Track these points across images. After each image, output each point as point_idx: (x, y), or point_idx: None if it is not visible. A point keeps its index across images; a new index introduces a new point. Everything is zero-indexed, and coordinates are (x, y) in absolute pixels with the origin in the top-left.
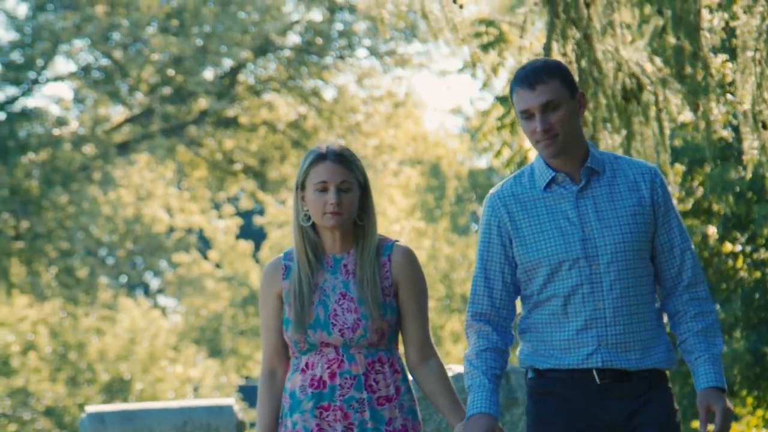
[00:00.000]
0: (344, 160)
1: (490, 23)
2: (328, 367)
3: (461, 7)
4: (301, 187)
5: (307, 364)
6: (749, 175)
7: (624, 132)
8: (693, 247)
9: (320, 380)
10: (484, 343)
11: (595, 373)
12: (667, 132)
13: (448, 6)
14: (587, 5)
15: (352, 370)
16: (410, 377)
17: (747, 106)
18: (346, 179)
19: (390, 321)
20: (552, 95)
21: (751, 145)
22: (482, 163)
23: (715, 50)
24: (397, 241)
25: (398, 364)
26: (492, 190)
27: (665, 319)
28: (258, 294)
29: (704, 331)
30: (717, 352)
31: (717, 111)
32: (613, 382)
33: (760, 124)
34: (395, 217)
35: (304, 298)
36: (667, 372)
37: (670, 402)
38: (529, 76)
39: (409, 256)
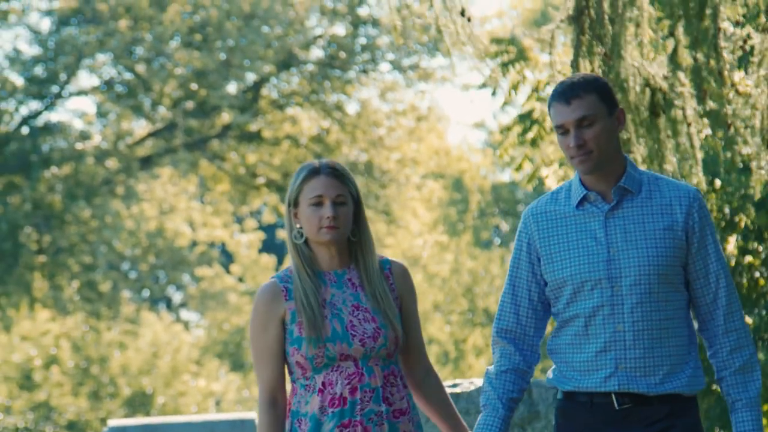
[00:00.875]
0: (338, 174)
1: (509, 42)
2: (348, 383)
3: (469, 20)
4: (294, 203)
5: (324, 384)
6: (758, 196)
7: (653, 146)
8: (730, 274)
9: (341, 398)
10: (506, 363)
11: (613, 397)
12: (697, 145)
13: (463, 20)
14: (612, 21)
15: (371, 383)
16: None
17: (757, 122)
18: (342, 193)
19: (401, 333)
20: (587, 111)
21: (759, 164)
22: (505, 177)
23: (733, 67)
24: (387, 257)
25: (404, 379)
26: (528, 206)
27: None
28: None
29: (742, 370)
30: (754, 395)
31: (739, 126)
32: (633, 406)
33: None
34: (418, 231)
35: (315, 311)
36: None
37: (694, 427)
38: (565, 91)
39: (407, 270)
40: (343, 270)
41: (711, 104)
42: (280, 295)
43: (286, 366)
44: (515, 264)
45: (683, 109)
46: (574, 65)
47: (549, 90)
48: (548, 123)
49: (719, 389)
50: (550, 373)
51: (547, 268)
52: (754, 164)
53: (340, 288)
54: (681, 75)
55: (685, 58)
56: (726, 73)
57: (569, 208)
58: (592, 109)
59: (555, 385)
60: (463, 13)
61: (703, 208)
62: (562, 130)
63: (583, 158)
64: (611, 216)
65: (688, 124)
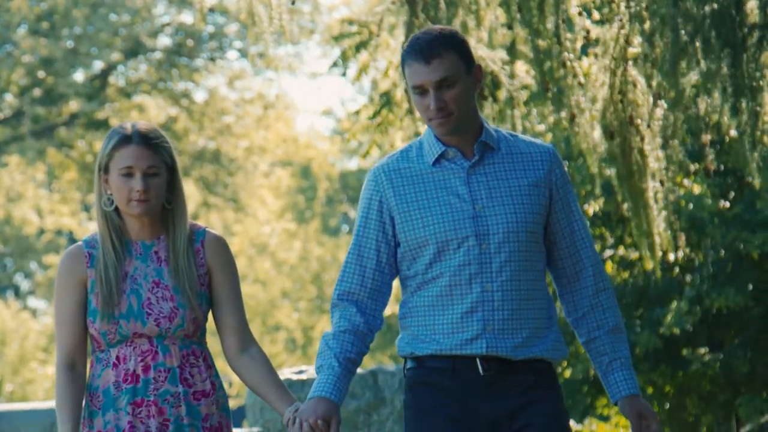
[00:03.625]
0: (151, 143)
1: (354, 23)
2: (142, 360)
3: (293, 3)
4: (105, 169)
5: (118, 358)
6: (598, 190)
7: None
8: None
9: (134, 374)
10: (345, 324)
11: (478, 362)
12: (519, 130)
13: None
14: (448, 5)
15: (166, 362)
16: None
17: (598, 114)
18: (153, 164)
19: (204, 312)
20: (448, 71)
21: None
22: (353, 164)
23: (576, 57)
24: (206, 228)
25: (210, 359)
26: (376, 164)
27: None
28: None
29: (616, 330)
30: (628, 354)
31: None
32: (497, 373)
33: (608, 134)
34: (266, 219)
35: (113, 286)
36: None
37: (557, 400)
38: (423, 49)
39: (222, 241)
40: (152, 241)
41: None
42: (82, 261)
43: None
44: (362, 224)
45: (511, 94)
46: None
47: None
48: (399, 104)
49: (587, 353)
50: (398, 342)
51: (405, 227)
52: (594, 156)
53: (144, 261)
54: (519, 63)
55: (524, 50)
56: (568, 63)
57: (425, 165)
58: (452, 69)
59: (409, 350)
60: (293, 3)
61: (562, 166)
62: (419, 90)
63: (442, 120)
64: (473, 172)
65: (513, 109)
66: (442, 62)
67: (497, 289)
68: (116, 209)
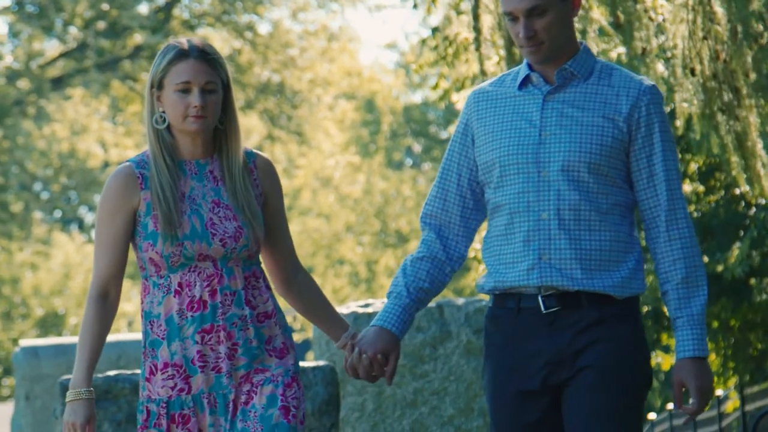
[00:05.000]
0: (209, 59)
1: None
2: (208, 285)
3: None
4: (158, 86)
5: (180, 285)
6: (681, 131)
7: None
8: (678, 179)
9: (200, 301)
10: (423, 250)
11: (540, 300)
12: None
13: None
14: None
15: (231, 285)
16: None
17: (678, 52)
18: (211, 80)
19: (262, 233)
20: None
21: (683, 96)
22: (417, 98)
23: None
24: (253, 149)
25: (267, 281)
26: (475, 87)
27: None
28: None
29: (685, 283)
30: (698, 311)
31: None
32: (560, 309)
33: (689, 71)
34: (330, 152)
35: (172, 206)
36: (636, 301)
37: (627, 339)
38: None
39: (271, 163)
40: (205, 160)
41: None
42: (135, 183)
43: (138, 262)
44: (450, 148)
45: (585, 29)
46: None
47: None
48: (463, 36)
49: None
50: (480, 279)
51: (479, 150)
52: (677, 96)
53: (200, 181)
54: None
55: None
56: None
57: (512, 89)
58: None
59: (481, 284)
60: None
61: (654, 104)
62: (511, 17)
63: (533, 49)
64: (550, 99)
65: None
66: None
67: (553, 218)
68: (167, 127)
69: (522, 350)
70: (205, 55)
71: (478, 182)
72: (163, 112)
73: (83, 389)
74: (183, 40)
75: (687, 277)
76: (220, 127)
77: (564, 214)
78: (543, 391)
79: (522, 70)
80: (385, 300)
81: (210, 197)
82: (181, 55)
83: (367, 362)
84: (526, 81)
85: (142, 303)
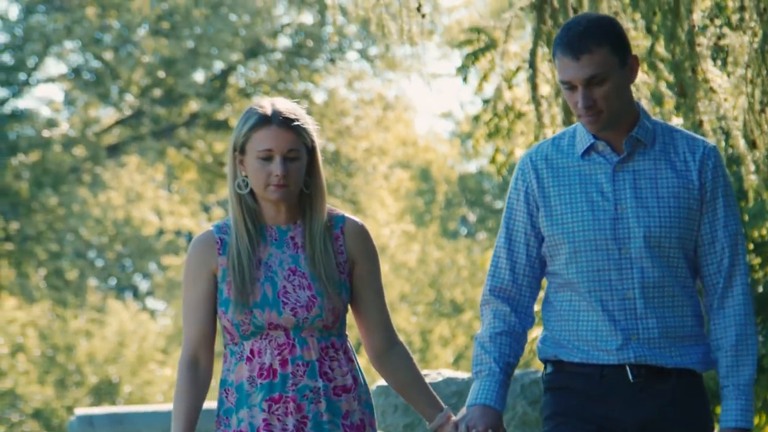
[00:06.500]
0: (292, 125)
1: (479, 31)
2: (279, 353)
3: (423, 16)
4: (240, 150)
5: (252, 351)
6: (751, 203)
7: None
8: (743, 244)
9: (270, 368)
10: (501, 325)
11: (628, 369)
12: None
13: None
14: (575, 11)
15: (304, 355)
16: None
17: (740, 123)
18: (294, 147)
19: (344, 301)
20: (598, 68)
21: (748, 169)
22: (472, 167)
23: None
24: (345, 214)
25: (351, 353)
26: (527, 151)
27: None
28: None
29: (735, 350)
30: (745, 381)
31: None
32: (647, 380)
33: (750, 144)
34: (385, 221)
35: (246, 273)
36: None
37: (701, 415)
38: (573, 43)
39: (364, 229)
40: (288, 226)
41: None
42: (213, 248)
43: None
44: (511, 215)
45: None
46: (533, 55)
47: (520, 78)
48: (518, 107)
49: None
50: (539, 342)
51: (546, 221)
52: (743, 169)
53: (280, 247)
54: (660, 66)
55: (662, 53)
56: (699, 68)
57: (573, 157)
58: (603, 65)
59: (553, 354)
60: (419, 9)
61: (717, 167)
62: (568, 85)
63: (592, 118)
64: (621, 169)
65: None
66: (592, 58)
67: (639, 297)
68: (251, 191)
69: (599, 411)
70: (288, 122)
71: (543, 252)
72: (246, 176)
73: None
74: (266, 103)
75: (737, 344)
76: (305, 191)
77: (649, 292)
78: None
79: (582, 136)
80: (471, 377)
81: (287, 264)
82: (264, 121)
83: None
84: (589, 149)
85: (222, 372)
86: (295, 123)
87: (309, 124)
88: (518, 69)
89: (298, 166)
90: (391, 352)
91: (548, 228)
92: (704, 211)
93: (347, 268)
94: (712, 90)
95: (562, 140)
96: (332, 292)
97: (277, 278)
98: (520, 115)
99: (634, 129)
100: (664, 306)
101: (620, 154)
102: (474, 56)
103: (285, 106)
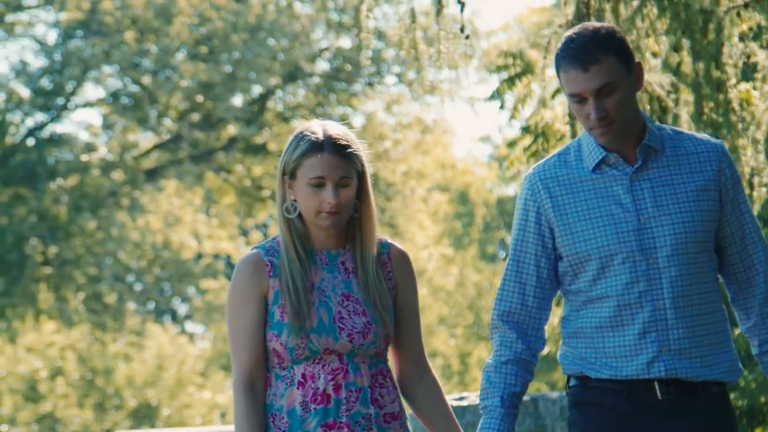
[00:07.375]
0: (344, 152)
1: (515, 56)
2: (332, 379)
3: (467, 37)
4: (291, 175)
5: (304, 376)
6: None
7: None
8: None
9: (324, 394)
10: (506, 353)
11: (656, 385)
12: None
13: (474, 32)
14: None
15: (357, 381)
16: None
17: (761, 136)
18: (346, 174)
19: (393, 328)
20: (608, 77)
21: (761, 180)
22: (510, 190)
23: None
24: (389, 240)
25: (395, 380)
26: (532, 169)
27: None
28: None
29: None
30: None
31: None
32: (675, 397)
33: None
34: (423, 244)
35: (302, 297)
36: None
37: (731, 428)
38: (579, 54)
39: (408, 256)
40: (338, 251)
41: (712, 116)
42: (264, 270)
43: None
44: (520, 237)
45: (677, 116)
46: None
47: (557, 101)
48: (554, 129)
49: (760, 365)
50: (561, 358)
51: (565, 240)
52: (756, 180)
53: (331, 272)
54: (682, 86)
55: (689, 70)
56: (728, 85)
57: (584, 172)
58: (612, 74)
59: (579, 371)
60: (462, 30)
61: (732, 164)
62: (577, 98)
63: (604, 129)
64: (637, 179)
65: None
66: (600, 68)
67: (670, 307)
68: (299, 215)
69: (635, 428)
70: (340, 149)
71: (555, 272)
72: (295, 200)
73: None
74: (318, 128)
75: None
76: (355, 215)
77: (679, 301)
78: None
79: (591, 149)
80: (482, 410)
81: (340, 290)
82: (315, 148)
83: None
84: (600, 163)
85: (267, 396)
86: (348, 150)
87: (360, 149)
88: (557, 91)
89: (350, 192)
90: (422, 380)
91: (570, 246)
92: (728, 209)
93: (393, 294)
94: (733, 110)
95: (568, 155)
96: (386, 319)
97: (331, 303)
98: (561, 138)
99: (644, 137)
100: (693, 314)
101: (633, 164)
102: (510, 81)
103: (336, 131)
